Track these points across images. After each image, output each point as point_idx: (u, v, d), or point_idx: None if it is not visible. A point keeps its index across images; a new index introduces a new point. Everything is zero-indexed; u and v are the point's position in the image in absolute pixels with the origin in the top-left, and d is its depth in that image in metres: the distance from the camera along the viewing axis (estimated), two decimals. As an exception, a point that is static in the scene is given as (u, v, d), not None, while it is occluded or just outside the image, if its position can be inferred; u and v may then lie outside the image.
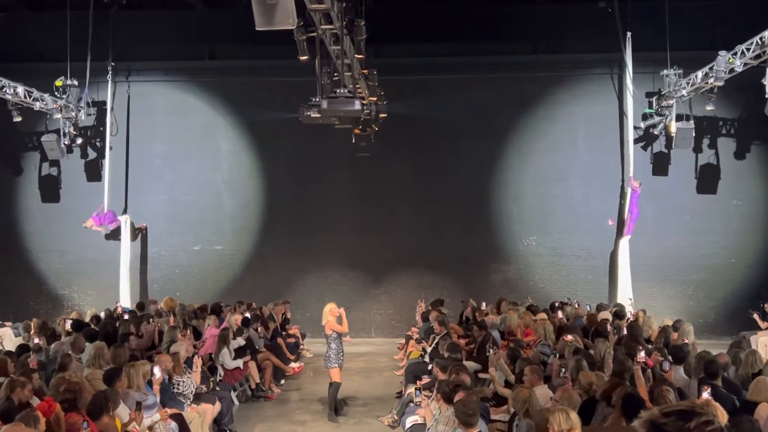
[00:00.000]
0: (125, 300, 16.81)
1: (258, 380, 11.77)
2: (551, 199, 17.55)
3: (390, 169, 17.48)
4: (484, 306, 14.70)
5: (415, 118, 17.25)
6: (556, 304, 14.32)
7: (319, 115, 11.86)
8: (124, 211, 17.88)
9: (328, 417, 10.28)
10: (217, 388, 10.15)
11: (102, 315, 13.77)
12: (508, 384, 8.87)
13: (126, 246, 17.44)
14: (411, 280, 17.85)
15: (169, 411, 8.02)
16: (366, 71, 13.92)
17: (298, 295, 17.39)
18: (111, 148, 17.64)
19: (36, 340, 10.55)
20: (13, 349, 10.15)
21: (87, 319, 13.50)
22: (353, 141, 16.47)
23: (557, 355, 9.53)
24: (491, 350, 9.51)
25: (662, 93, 16.21)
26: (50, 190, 18.17)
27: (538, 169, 17.59)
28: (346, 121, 15.02)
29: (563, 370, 7.96)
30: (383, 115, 16.04)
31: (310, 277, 17.87)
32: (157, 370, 8.23)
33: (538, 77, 17.45)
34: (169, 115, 18.12)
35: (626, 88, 16.91)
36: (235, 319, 12.73)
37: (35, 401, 7.03)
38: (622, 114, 17.30)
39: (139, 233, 17.99)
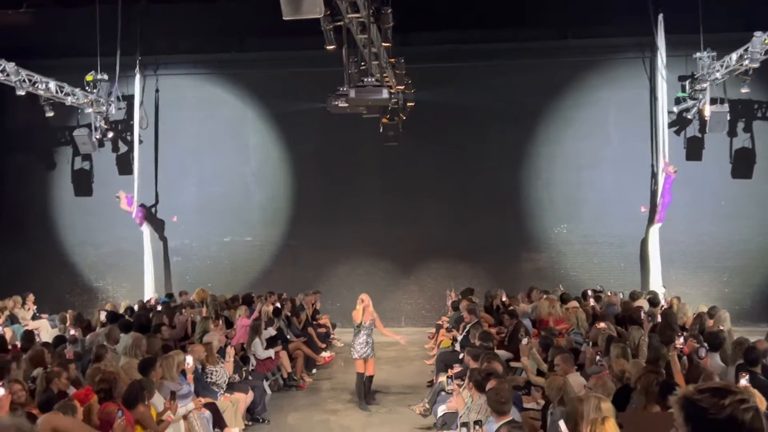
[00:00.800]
0: (149, 292, 16.99)
1: (290, 370, 11.86)
2: (582, 186, 17.39)
3: (418, 158, 17.44)
4: (504, 296, 14.60)
5: (443, 107, 17.18)
6: (588, 292, 14.16)
7: (346, 105, 11.84)
8: (155, 203, 18.11)
9: (359, 406, 10.33)
10: (250, 378, 10.25)
11: (135, 306, 13.97)
12: (540, 373, 8.81)
13: (148, 242, 17.59)
14: (441, 269, 17.83)
15: (203, 400, 8.12)
16: (393, 60, 13.87)
17: (328, 286, 17.48)
18: (141, 141, 17.84)
19: (72, 332, 10.73)
20: (50, 341, 10.34)
21: (121, 311, 13.72)
22: (381, 130, 16.45)
23: (590, 343, 9.45)
24: (525, 338, 9.45)
25: (695, 76, 15.91)
26: (83, 183, 18.48)
27: (568, 156, 17.42)
28: (374, 111, 14.98)
29: (598, 357, 7.88)
30: (411, 104, 16.01)
31: (340, 268, 17.94)
32: (189, 360, 8.33)
33: (567, 62, 17.26)
34: (197, 108, 18.30)
35: (658, 72, 16.62)
36: (266, 310, 12.82)
37: (71, 391, 7.15)
38: (653, 99, 17.02)
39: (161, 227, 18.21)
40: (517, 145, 17.49)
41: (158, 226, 18.27)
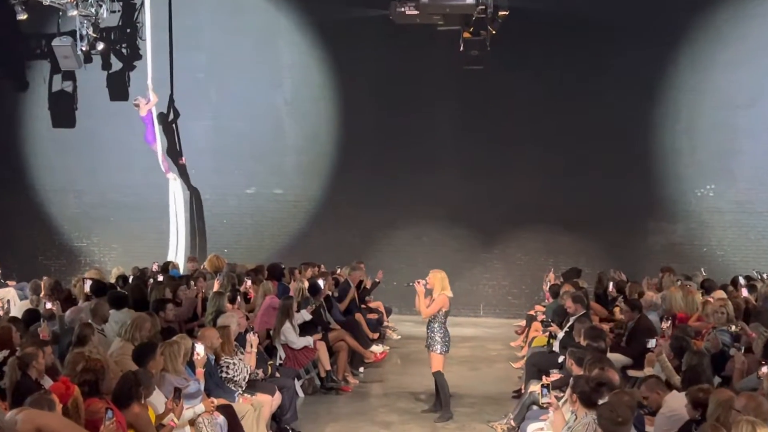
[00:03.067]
0: (180, 259, 17.36)
1: (329, 367, 11.99)
2: (737, 132, 17.07)
3: (510, 89, 17.22)
4: (622, 279, 14.46)
5: (549, 17, 16.86)
6: (740, 279, 13.90)
7: (417, 12, 11.76)
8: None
9: (441, 417, 10.46)
10: (278, 375, 10.39)
11: (130, 275, 14.26)
12: (669, 387, 8.70)
13: (179, 189, 17.98)
14: (535, 241, 17.75)
15: (216, 401, 8.27)
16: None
17: (382, 258, 17.57)
18: (142, 57, 18.05)
19: (47, 305, 11.01)
20: (19, 315, 10.62)
21: (111, 280, 14.02)
22: (461, 48, 16.25)
23: (742, 347, 9.28)
24: (651, 340, 9.34)
25: None
26: (64, 110, 18.86)
27: (719, 91, 17.05)
28: (453, 21, 14.83)
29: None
30: (504, 13, 15.76)
31: (398, 235, 18.02)
32: (200, 349, 8.47)
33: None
34: (216, 12, 18.39)
35: None
36: (300, 287, 12.95)
37: (47, 382, 7.34)
38: None
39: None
40: (648, 73, 17.10)
41: (182, 171, 18.59)
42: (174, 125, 18.53)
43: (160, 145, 17.67)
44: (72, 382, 6.79)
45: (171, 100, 18.42)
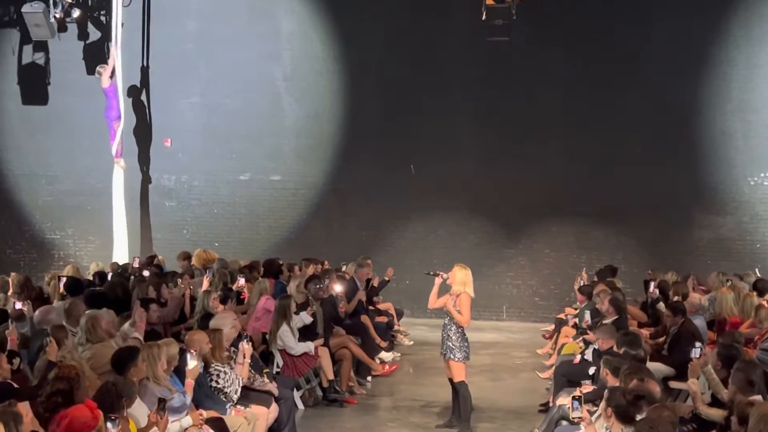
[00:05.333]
0: (120, 254, 17.35)
1: (332, 376, 12.00)
2: (797, 113, 16.99)
3: (539, 64, 17.26)
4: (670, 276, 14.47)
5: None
6: (799, 280, 13.90)
7: (433, -24, 11.72)
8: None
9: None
10: (274, 385, 10.39)
11: (108, 271, 14.29)
12: (716, 401, 8.70)
13: (119, 174, 17.97)
14: (565, 236, 17.78)
15: (206, 414, 8.29)
16: None
17: (392, 253, 17.64)
18: (123, 24, 18.05)
19: (16, 305, 11.05)
20: (-16, 316, 10.69)
21: (88, 277, 14.06)
22: (484, 18, 16.22)
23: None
24: (696, 347, 9.31)
25: None
26: (35, 86, 18.89)
27: (778, 66, 16.98)
28: (475, -13, 14.81)
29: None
30: (532, -23, 15.74)
31: (410, 228, 18.07)
32: (191, 360, 8.51)
33: None
34: (207, -24, 18.41)
35: None
36: (298, 285, 12.95)
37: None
38: None
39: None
40: (696, 46, 17.09)
41: (144, 151, 18.57)
42: (145, 101, 18.52)
43: (122, 124, 17.64)
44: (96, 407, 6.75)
45: (144, 71, 18.43)
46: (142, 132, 18.58)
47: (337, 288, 13.21)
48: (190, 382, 8.48)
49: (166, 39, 18.49)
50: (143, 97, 18.55)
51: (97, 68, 17.50)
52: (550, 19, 16.86)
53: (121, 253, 17.48)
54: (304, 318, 11.98)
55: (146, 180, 18.73)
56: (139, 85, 18.49)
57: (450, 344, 10.40)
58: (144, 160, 18.71)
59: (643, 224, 17.34)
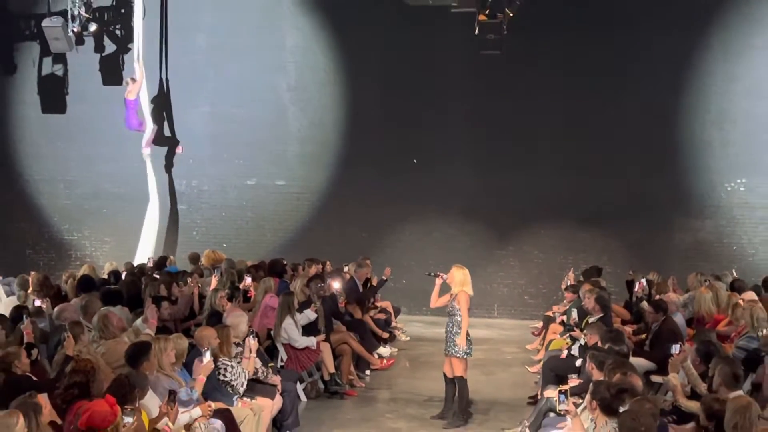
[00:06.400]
0: (144, 254, 17.35)
1: (332, 369, 12.00)
2: (773, 123, 16.98)
3: (529, 76, 17.21)
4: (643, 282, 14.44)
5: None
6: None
7: (428, -7, 11.70)
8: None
9: (451, 423, 10.51)
10: (278, 377, 10.39)
11: (123, 271, 14.30)
12: (695, 395, 8.71)
13: (152, 174, 17.97)
14: (554, 238, 17.74)
15: (214, 405, 8.30)
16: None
17: (390, 254, 17.60)
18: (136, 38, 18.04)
19: (36, 302, 11.07)
20: (6, 312, 10.68)
21: (104, 275, 14.07)
22: (477, 32, 16.18)
23: (772, 353, 9.28)
24: (677, 345, 9.32)
25: None
26: (54, 95, 18.89)
27: (752, 78, 17.02)
28: (468, 2, 14.78)
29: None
30: (523, -7, 15.73)
31: (407, 230, 18.05)
32: (207, 355, 8.55)
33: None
34: (216, -8, 18.41)
35: None
36: (301, 284, 12.96)
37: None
38: None
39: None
40: (676, 59, 17.06)
41: (169, 157, 18.61)
42: (165, 112, 18.53)
43: (148, 125, 17.69)
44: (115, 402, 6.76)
45: (164, 83, 18.43)
46: (162, 140, 18.57)
47: (336, 285, 13.24)
48: (202, 378, 8.51)
49: (177, 52, 18.46)
50: (160, 106, 18.51)
51: (127, 79, 17.48)
52: (538, 34, 16.83)
53: (148, 251, 17.55)
54: (309, 315, 11.99)
55: (171, 184, 18.75)
56: (157, 96, 18.46)
57: (452, 342, 10.42)
58: (168, 166, 18.72)
59: (627, 227, 17.29)
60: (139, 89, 17.39)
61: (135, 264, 15.74)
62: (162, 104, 18.51)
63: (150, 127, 17.71)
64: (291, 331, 11.43)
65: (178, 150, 18.54)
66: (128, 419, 6.48)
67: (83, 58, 18.38)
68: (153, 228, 18.02)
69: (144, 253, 17.49)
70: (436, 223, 17.94)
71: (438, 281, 10.56)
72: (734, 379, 7.74)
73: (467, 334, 10.45)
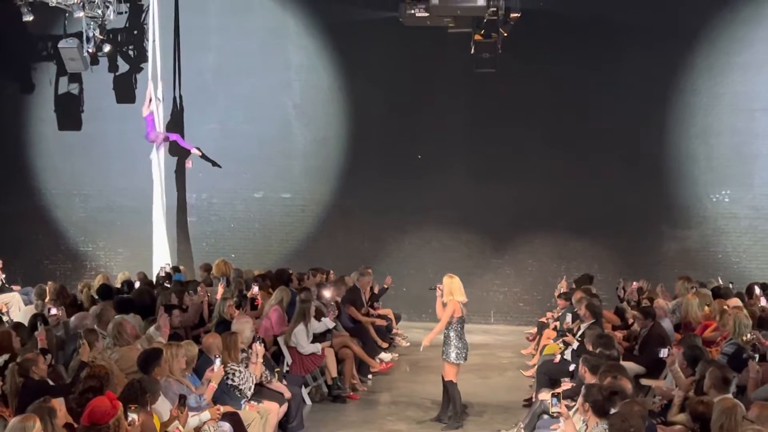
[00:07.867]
0: (160, 263, 17.32)
1: (335, 374, 12.01)
2: (755, 137, 17.02)
3: (523, 91, 17.21)
4: (636, 284, 14.45)
5: (561, 19, 16.87)
6: (756, 288, 13.88)
7: (427, 15, 11.79)
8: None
9: (446, 426, 10.51)
10: (284, 382, 10.40)
11: (136, 280, 14.31)
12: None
13: (158, 188, 17.94)
14: (547, 246, 17.73)
15: (222, 408, 8.31)
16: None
17: (391, 263, 17.62)
18: (149, 59, 18.08)
19: (52, 310, 11.08)
20: (24, 321, 10.71)
21: (117, 285, 14.07)
22: (472, 51, 16.25)
23: (756, 356, 9.27)
24: (665, 349, 9.33)
25: None
26: (70, 113, 18.93)
27: (737, 94, 17.01)
28: (464, 24, 14.83)
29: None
30: (515, 15, 15.74)
31: (407, 240, 18.04)
32: (217, 362, 8.56)
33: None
34: (224, 14, 18.42)
35: None
36: (332, 293, 13.01)
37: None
38: None
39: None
40: (663, 76, 17.07)
41: (181, 167, 18.62)
42: (179, 127, 18.60)
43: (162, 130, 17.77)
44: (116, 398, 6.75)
45: (177, 102, 18.50)
46: (174, 151, 18.59)
47: (327, 294, 13.24)
48: (212, 386, 8.52)
49: (188, 71, 18.52)
50: (173, 122, 18.58)
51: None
52: (531, 52, 16.85)
53: (162, 258, 17.55)
54: (327, 323, 12.11)
55: (181, 198, 18.77)
56: (171, 113, 18.53)
57: (446, 346, 10.42)
58: (180, 180, 18.75)
59: (617, 237, 17.29)
60: (149, 105, 17.42)
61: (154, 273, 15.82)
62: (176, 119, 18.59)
63: (161, 128, 17.74)
64: (300, 337, 11.47)
65: (188, 165, 18.56)
66: (133, 416, 6.44)
67: (98, 77, 18.44)
68: (161, 230, 17.90)
69: (159, 264, 17.47)
70: (434, 234, 17.94)
71: (438, 293, 10.57)
72: (724, 383, 7.74)
73: (463, 341, 10.44)
